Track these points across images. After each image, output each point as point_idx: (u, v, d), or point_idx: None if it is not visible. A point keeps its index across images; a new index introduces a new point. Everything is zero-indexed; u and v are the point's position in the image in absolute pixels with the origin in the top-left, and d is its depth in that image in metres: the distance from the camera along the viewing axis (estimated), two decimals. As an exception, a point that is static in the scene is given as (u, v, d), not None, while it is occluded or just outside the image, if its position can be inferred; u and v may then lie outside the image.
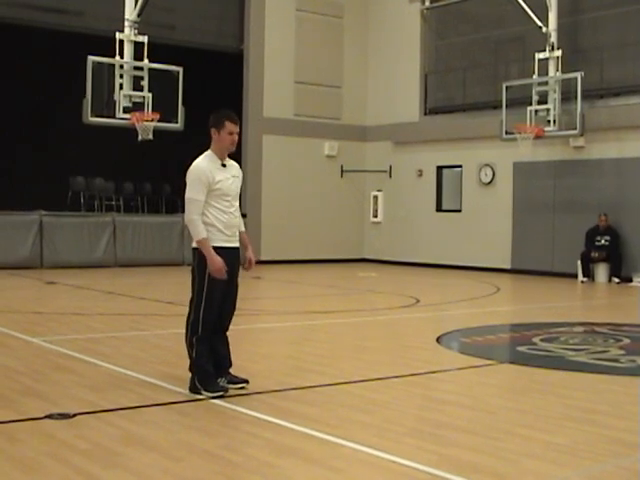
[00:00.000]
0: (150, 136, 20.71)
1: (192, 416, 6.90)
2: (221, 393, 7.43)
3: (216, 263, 7.39)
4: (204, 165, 7.69)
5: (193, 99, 22.33)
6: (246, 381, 7.79)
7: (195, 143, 26.27)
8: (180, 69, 21.60)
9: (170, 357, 9.56)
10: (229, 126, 7.68)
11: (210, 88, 25.33)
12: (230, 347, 7.87)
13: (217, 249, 7.47)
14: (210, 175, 7.60)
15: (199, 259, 7.57)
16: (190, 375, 7.63)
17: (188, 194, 7.58)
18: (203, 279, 7.54)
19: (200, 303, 7.59)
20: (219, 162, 7.75)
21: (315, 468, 5.48)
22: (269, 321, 13.30)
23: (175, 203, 26.12)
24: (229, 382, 7.67)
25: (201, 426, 6.54)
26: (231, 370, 7.80)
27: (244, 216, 24.83)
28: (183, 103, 21.59)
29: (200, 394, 7.44)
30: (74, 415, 6.69)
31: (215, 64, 25.28)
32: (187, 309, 7.85)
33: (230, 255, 7.58)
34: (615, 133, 21.46)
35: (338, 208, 27.05)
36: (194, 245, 7.63)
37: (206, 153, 7.81)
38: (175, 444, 5.99)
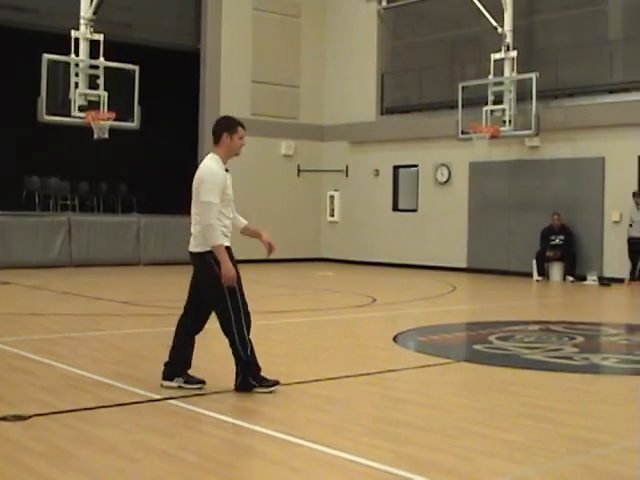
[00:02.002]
0: (106, 135, 20.59)
1: (149, 417, 6.88)
2: (276, 387, 7.67)
3: (230, 270, 7.57)
4: (218, 169, 7.67)
5: (149, 98, 22.24)
6: (203, 382, 7.85)
7: (151, 142, 26.35)
8: (136, 68, 21.51)
9: (127, 357, 9.53)
10: (241, 131, 7.88)
11: (167, 87, 25.30)
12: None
13: (226, 249, 7.70)
14: (224, 180, 7.70)
15: (211, 264, 7.62)
16: (240, 375, 7.67)
17: (207, 198, 7.56)
18: (222, 283, 7.61)
19: (234, 305, 7.76)
20: (223, 167, 7.80)
21: (274, 468, 5.48)
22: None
23: (130, 202, 26.00)
24: (185, 382, 7.76)
25: (159, 427, 6.51)
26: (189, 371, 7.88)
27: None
28: (139, 102, 21.49)
29: (253, 390, 7.59)
30: (29, 417, 6.64)
31: (172, 63, 25.16)
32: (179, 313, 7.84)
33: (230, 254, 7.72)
34: (569, 133, 21.64)
35: (295, 208, 27.04)
36: (202, 249, 7.71)
37: (213, 156, 7.76)
38: (132, 445, 5.96)
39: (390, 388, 8.20)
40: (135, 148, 24.80)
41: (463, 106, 22.41)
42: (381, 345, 10.76)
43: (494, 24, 22.14)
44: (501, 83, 21.95)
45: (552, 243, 21.36)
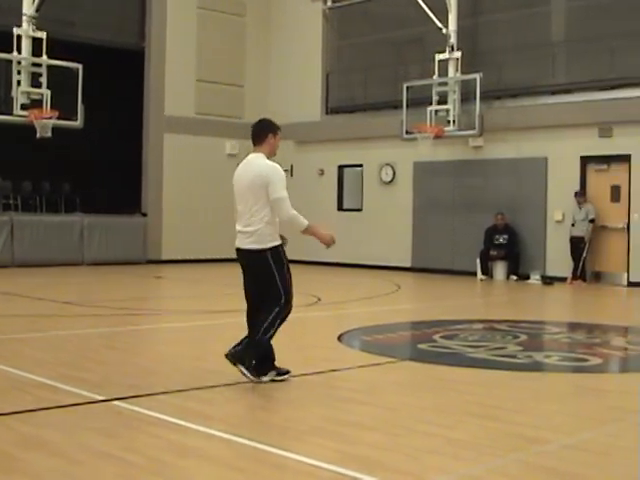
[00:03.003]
0: (49, 134, 20.42)
1: (92, 418, 6.82)
2: (287, 376, 8.19)
3: (328, 235, 8.43)
4: (278, 166, 8.17)
5: (93, 97, 22.08)
6: (289, 371, 8.34)
7: (95, 141, 26.09)
8: (80, 66, 21.35)
9: (70, 358, 9.44)
10: (279, 133, 8.37)
11: (111, 86, 25.12)
12: None
13: (281, 246, 8.13)
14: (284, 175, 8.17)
15: (275, 257, 8.04)
16: (240, 345, 8.03)
17: (281, 194, 7.96)
18: (283, 274, 8.09)
19: (287, 293, 8.13)
20: None
21: (218, 468, 5.46)
22: (172, 321, 13.23)
23: (74, 202, 25.77)
24: (278, 374, 8.23)
25: (102, 428, 6.45)
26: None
27: (145, 215, 24.73)
28: (83, 100, 21.33)
29: (241, 365, 7.92)
30: (-29, 418, 6.57)
31: (116, 61, 24.98)
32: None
33: None
34: (512, 134, 21.84)
35: (240, 207, 26.92)
36: (260, 246, 8.05)
37: (260, 155, 8.23)
38: (75, 447, 5.91)
39: (335, 387, 8.21)
40: (78, 147, 24.61)
41: (407, 106, 22.51)
42: (326, 345, 10.77)
43: (438, 25, 22.28)
44: (445, 83, 22.08)
45: (496, 242, 21.54)
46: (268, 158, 8.21)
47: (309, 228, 8.14)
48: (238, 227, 8.32)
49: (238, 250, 8.32)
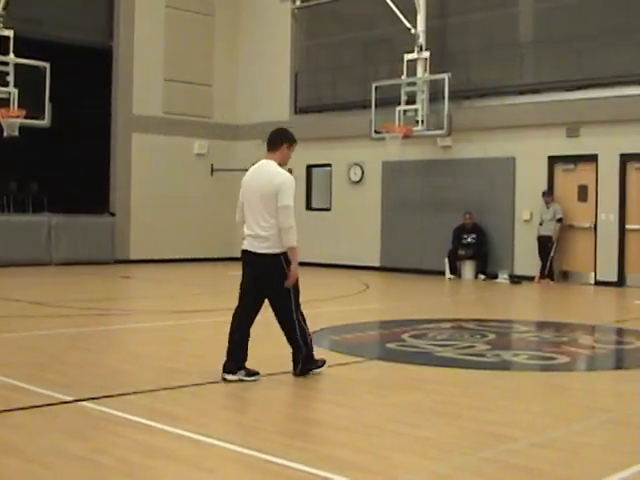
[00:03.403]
0: (16, 133, 20.31)
1: (61, 419, 6.78)
2: (324, 365, 8.68)
3: (297, 271, 8.41)
4: (290, 175, 8.40)
5: (61, 95, 21.97)
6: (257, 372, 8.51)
7: (63, 140, 25.94)
8: (47, 65, 21.24)
9: (39, 359, 9.39)
10: (295, 145, 8.65)
11: (78, 84, 24.99)
12: None
13: (285, 253, 8.30)
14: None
15: (282, 264, 8.31)
16: (299, 363, 8.47)
17: (288, 202, 8.18)
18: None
19: (296, 298, 8.52)
20: None
21: (187, 469, 5.46)
22: (140, 321, 13.18)
23: (41, 201, 25.64)
24: (247, 374, 8.37)
25: (70, 429, 6.42)
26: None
27: (113, 215, 24.59)
28: (50, 99, 21.22)
29: (313, 370, 8.53)
30: (-62, 420, 6.52)
31: (84, 60, 24.83)
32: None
33: None
34: (480, 133, 21.93)
35: (208, 207, 26.91)
36: (273, 251, 8.28)
37: (272, 163, 8.46)
38: (44, 449, 5.87)
39: (304, 387, 8.22)
40: (46, 146, 24.49)
41: (376, 106, 22.55)
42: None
43: (407, 25, 22.32)
44: (414, 83, 22.14)
45: (464, 242, 21.62)
46: (280, 166, 8.45)
47: (294, 250, 8.31)
48: (248, 231, 8.49)
49: (246, 252, 8.52)
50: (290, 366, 8.60)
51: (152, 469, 5.44)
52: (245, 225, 8.58)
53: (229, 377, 8.20)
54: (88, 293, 17.36)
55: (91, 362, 9.29)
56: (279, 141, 8.55)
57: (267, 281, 8.45)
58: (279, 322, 8.57)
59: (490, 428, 6.57)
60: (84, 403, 7.17)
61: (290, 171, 8.87)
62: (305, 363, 8.48)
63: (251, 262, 8.49)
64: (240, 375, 8.24)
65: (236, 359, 8.31)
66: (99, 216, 24.95)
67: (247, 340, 8.48)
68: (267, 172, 8.35)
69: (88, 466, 5.48)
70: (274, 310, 8.61)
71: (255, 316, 8.63)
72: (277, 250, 8.26)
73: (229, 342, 8.43)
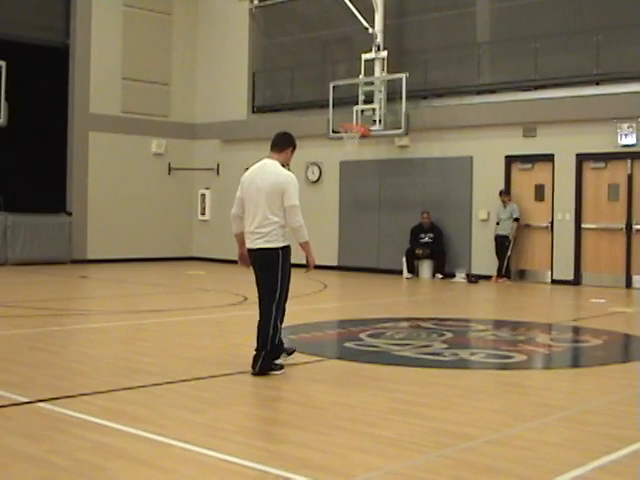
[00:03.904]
0: (-29, 132, 20.11)
1: (16, 420, 6.72)
2: (283, 371, 8.74)
3: (314, 257, 9.08)
4: (294, 175, 8.86)
5: (17, 94, 21.78)
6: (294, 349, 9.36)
7: (19, 139, 25.70)
8: (3, 63, 21.04)
9: (-7, 359, 9.31)
10: (295, 151, 9.13)
11: (35, 83, 24.75)
12: None
13: (289, 246, 8.77)
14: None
15: (284, 256, 8.71)
16: (259, 359, 8.56)
17: (294, 201, 8.65)
18: (285, 271, 8.74)
19: (281, 293, 8.71)
20: None
21: (145, 469, 5.43)
22: (97, 321, 13.10)
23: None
24: (288, 353, 9.13)
25: (26, 430, 6.37)
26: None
27: (70, 214, 24.40)
28: (6, 98, 21.03)
29: (272, 371, 8.60)
30: None
31: (40, 59, 24.63)
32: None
33: None
34: (438, 133, 22.03)
35: (166, 206, 26.84)
36: (274, 245, 8.62)
37: (276, 163, 8.87)
38: (0, 450, 5.83)
39: (262, 386, 8.21)
40: (2, 146, 24.24)
41: (334, 105, 22.57)
42: (253, 344, 10.72)
43: (365, 24, 22.36)
44: (371, 83, 22.18)
45: (421, 241, 21.70)
46: (282, 166, 8.86)
47: (308, 244, 8.84)
48: (249, 228, 8.77)
49: (252, 250, 8.79)
50: (247, 366, 8.59)
51: (110, 470, 5.41)
52: (245, 221, 8.85)
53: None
54: (44, 293, 17.24)
55: (47, 363, 9.22)
56: (286, 144, 9.02)
57: (261, 271, 8.73)
58: (259, 313, 8.76)
59: (448, 426, 6.60)
60: (40, 404, 7.12)
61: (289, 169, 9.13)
62: (265, 361, 8.56)
63: (253, 258, 8.79)
64: (282, 358, 8.93)
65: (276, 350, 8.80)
66: (56, 215, 24.76)
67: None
68: (272, 172, 8.73)
69: (44, 467, 5.44)
70: (259, 299, 8.81)
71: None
72: (274, 245, 8.61)
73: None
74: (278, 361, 8.81)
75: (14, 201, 24.48)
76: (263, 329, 8.63)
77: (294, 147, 9.08)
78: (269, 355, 8.60)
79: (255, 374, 8.51)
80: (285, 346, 9.07)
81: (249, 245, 8.77)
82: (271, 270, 8.63)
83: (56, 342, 10.92)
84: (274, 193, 8.60)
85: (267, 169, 8.78)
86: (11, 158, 25.38)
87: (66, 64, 25.19)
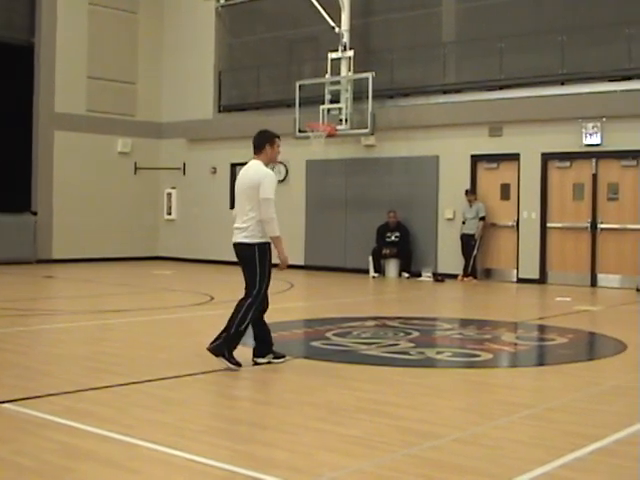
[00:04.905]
0: None
1: (-18, 421, 6.69)
2: (237, 369, 8.74)
3: (287, 257, 9.09)
4: (271, 171, 9.11)
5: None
6: (284, 356, 9.38)
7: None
8: (-34, 62, 20.88)
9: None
10: (277, 142, 9.37)
11: (-1, 82, 24.57)
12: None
13: (268, 244, 8.97)
14: (275, 180, 9.14)
15: (261, 252, 8.89)
16: (219, 340, 8.82)
17: (269, 195, 8.86)
18: (264, 268, 8.91)
19: (261, 286, 8.93)
20: None
21: (112, 470, 5.41)
22: (62, 321, 13.03)
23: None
24: (275, 357, 9.24)
25: (-9, 431, 6.34)
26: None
27: (35, 214, 24.22)
28: (-31, 97, 20.87)
29: (223, 358, 8.73)
30: None
31: (4, 57, 24.44)
32: None
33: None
34: (404, 132, 22.08)
35: (132, 205, 26.74)
36: (251, 241, 8.90)
37: (259, 162, 9.16)
38: (-36, 450, 5.79)
39: (228, 386, 8.21)
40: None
41: (300, 105, 22.57)
42: (220, 343, 10.73)
43: (331, 24, 22.38)
44: (338, 82, 22.21)
45: (388, 240, 21.75)
46: (267, 164, 9.17)
47: (279, 239, 8.96)
48: (235, 224, 9.13)
49: (233, 245, 9.11)
50: (213, 366, 8.59)
51: (76, 471, 5.38)
52: (234, 219, 9.25)
53: (259, 360, 9.14)
54: (9, 293, 17.13)
55: (12, 363, 9.17)
56: (261, 144, 9.26)
57: (242, 265, 9.04)
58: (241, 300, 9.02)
59: (414, 425, 6.62)
60: (5, 405, 7.07)
61: (272, 168, 9.44)
62: (222, 344, 8.79)
63: (236, 252, 9.09)
64: (269, 358, 9.18)
65: (261, 343, 9.21)
66: (21, 215, 24.59)
67: (264, 327, 9.24)
68: (252, 170, 9.07)
69: (11, 469, 5.40)
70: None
71: (264, 301, 9.16)
72: (252, 240, 8.89)
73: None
74: (263, 360, 9.14)
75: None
76: (234, 314, 8.85)
77: (271, 143, 9.27)
78: (228, 339, 8.77)
79: (208, 349, 8.82)
80: (275, 349, 9.32)
81: (232, 239, 9.12)
82: (250, 265, 8.90)
83: (21, 342, 10.86)
84: (251, 189, 8.91)
85: (249, 169, 9.13)
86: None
87: (31, 62, 25.02)
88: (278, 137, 9.45)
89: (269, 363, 9.13)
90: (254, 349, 9.22)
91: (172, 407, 7.19)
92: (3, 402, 7.14)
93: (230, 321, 8.85)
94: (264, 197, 8.83)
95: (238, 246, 9.03)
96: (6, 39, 24.84)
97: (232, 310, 8.91)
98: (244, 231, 8.95)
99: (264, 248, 8.91)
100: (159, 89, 27.64)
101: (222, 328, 8.87)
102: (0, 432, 6.30)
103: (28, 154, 24.90)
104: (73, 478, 5.28)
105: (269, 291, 9.09)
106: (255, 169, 9.07)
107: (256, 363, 9.10)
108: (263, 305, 9.13)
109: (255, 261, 8.86)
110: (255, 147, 9.31)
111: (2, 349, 10.11)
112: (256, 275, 8.87)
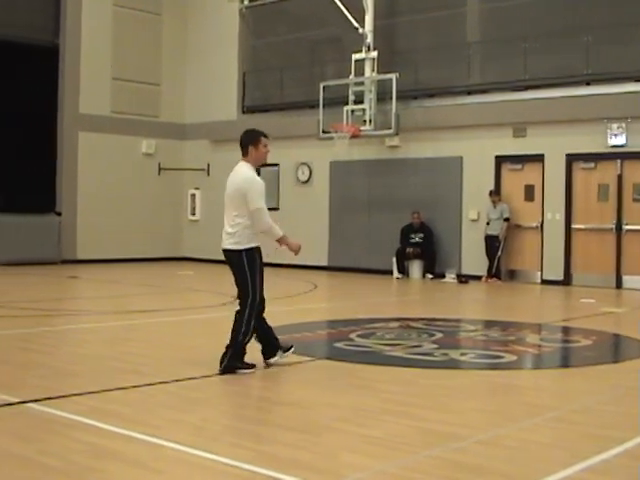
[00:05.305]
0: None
1: (5, 421, 6.71)
2: (253, 370, 8.72)
3: (296, 242, 9.04)
4: (257, 176, 8.83)
5: (5, 94, 21.72)
6: (292, 346, 9.32)
7: (8, 139, 25.69)
8: (-7, 63, 21.01)
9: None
10: (264, 141, 8.98)
11: (24, 83, 24.68)
12: None
13: (256, 248, 8.76)
14: (263, 185, 8.79)
15: (249, 258, 8.70)
16: (226, 357, 8.64)
17: (258, 205, 8.59)
18: (254, 274, 8.73)
19: (255, 292, 8.75)
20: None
21: (136, 470, 5.43)
22: (87, 321, 13.09)
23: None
24: (285, 350, 9.15)
25: (17, 431, 6.36)
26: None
27: (59, 215, 24.32)
28: (-5, 98, 20.99)
29: (239, 370, 8.61)
30: None
31: (29, 59, 24.57)
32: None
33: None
34: (428, 133, 22.03)
35: (156, 206, 26.81)
36: (238, 247, 8.71)
37: (245, 164, 8.89)
38: (-10, 450, 5.83)
39: (251, 387, 8.22)
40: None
41: (324, 106, 22.57)
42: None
43: (355, 24, 22.37)
44: (362, 83, 22.20)
45: (412, 241, 21.72)
46: (255, 166, 8.91)
47: (283, 238, 8.81)
48: (224, 229, 8.93)
49: (223, 250, 8.94)
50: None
51: (100, 471, 5.41)
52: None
53: (272, 360, 9.04)
54: (34, 293, 17.21)
55: (38, 363, 9.22)
56: (245, 146, 8.95)
57: (233, 271, 8.86)
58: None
59: (437, 427, 6.62)
60: (30, 405, 7.11)
61: (258, 172, 9.24)
62: (230, 361, 8.64)
63: (225, 257, 8.92)
64: (279, 355, 9.08)
65: (266, 345, 9.08)
66: (46, 216, 24.70)
67: (265, 326, 9.07)
68: (239, 177, 8.78)
69: (37, 468, 5.43)
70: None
71: (260, 304, 9.00)
72: (239, 247, 8.70)
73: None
74: (273, 359, 9.05)
75: (3, 201, 24.43)
76: (235, 327, 8.72)
77: (254, 143, 8.92)
78: (234, 356, 8.65)
79: (220, 373, 8.58)
80: (281, 343, 9.17)
81: (222, 245, 8.96)
82: (240, 271, 8.76)
83: (47, 342, 10.91)
84: (236, 196, 8.70)
85: (236, 175, 8.87)
86: (0, 158, 25.33)
87: (56, 64, 25.13)
88: (265, 136, 9.06)
89: (283, 358, 9.10)
90: (262, 352, 9.09)
91: (195, 407, 7.21)
92: (28, 402, 7.18)
93: (232, 335, 8.70)
94: (255, 208, 8.58)
95: (226, 252, 8.88)
96: (31, 41, 24.93)
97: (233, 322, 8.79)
98: (232, 237, 8.77)
99: (252, 253, 8.72)
100: (183, 90, 27.71)
101: (226, 344, 8.75)
102: (26, 432, 6.33)
103: (53, 155, 25.02)
104: (97, 478, 5.31)
105: (265, 294, 9.02)
106: (242, 177, 8.75)
107: (268, 365, 9.02)
108: (260, 307, 8.99)
109: (244, 267, 8.70)
110: (241, 149, 9.02)
111: (28, 349, 10.16)
112: (248, 282, 8.71)
